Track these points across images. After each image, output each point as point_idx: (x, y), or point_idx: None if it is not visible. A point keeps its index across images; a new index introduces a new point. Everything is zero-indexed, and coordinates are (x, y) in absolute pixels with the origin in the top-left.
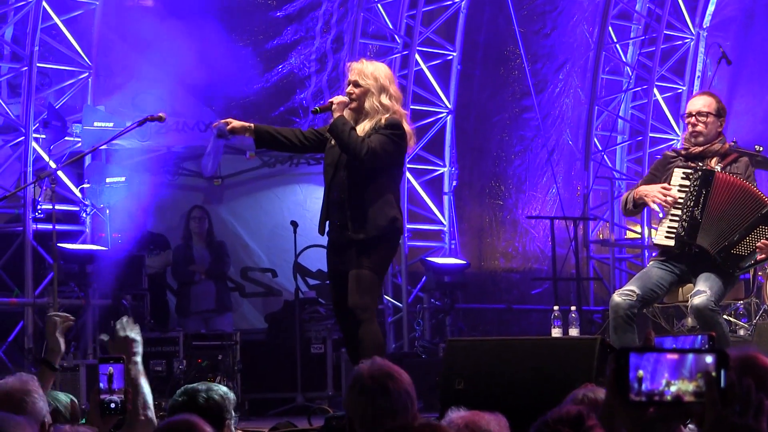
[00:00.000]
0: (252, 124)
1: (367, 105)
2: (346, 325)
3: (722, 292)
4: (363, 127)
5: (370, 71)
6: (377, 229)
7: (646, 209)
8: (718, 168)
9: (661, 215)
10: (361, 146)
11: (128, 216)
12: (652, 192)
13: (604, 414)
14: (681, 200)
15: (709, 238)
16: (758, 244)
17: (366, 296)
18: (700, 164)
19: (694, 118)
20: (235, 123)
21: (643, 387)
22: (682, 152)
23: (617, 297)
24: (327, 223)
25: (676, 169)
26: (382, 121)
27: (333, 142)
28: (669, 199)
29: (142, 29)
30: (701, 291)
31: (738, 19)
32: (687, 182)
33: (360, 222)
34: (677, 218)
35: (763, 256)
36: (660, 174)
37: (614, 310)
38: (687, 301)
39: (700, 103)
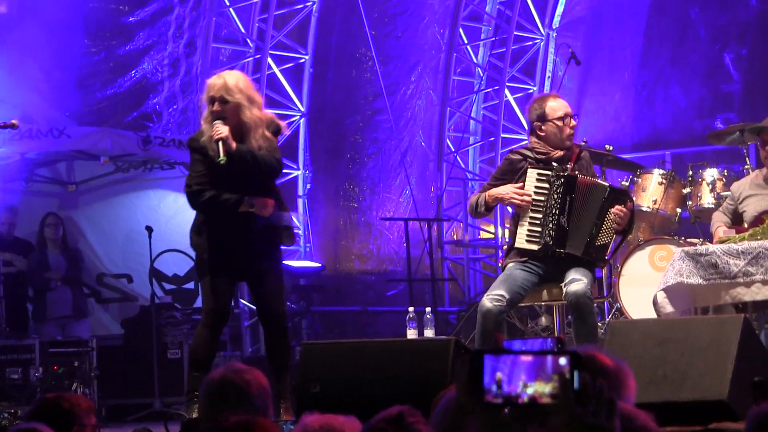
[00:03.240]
0: None
1: (244, 119)
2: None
3: (593, 284)
4: (256, 143)
5: (233, 84)
6: None
7: (498, 209)
8: (576, 173)
9: (511, 212)
10: (273, 163)
11: None
12: (506, 193)
13: (454, 416)
14: (540, 203)
15: (576, 242)
16: (611, 216)
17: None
18: (555, 165)
19: (573, 119)
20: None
21: (502, 389)
22: (533, 155)
23: (488, 303)
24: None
25: (530, 170)
26: (267, 132)
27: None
28: (526, 198)
29: None
30: (577, 279)
31: (587, 20)
32: (545, 185)
33: None
34: (538, 222)
35: (622, 225)
36: (509, 177)
37: (485, 315)
38: (545, 301)
39: (568, 105)
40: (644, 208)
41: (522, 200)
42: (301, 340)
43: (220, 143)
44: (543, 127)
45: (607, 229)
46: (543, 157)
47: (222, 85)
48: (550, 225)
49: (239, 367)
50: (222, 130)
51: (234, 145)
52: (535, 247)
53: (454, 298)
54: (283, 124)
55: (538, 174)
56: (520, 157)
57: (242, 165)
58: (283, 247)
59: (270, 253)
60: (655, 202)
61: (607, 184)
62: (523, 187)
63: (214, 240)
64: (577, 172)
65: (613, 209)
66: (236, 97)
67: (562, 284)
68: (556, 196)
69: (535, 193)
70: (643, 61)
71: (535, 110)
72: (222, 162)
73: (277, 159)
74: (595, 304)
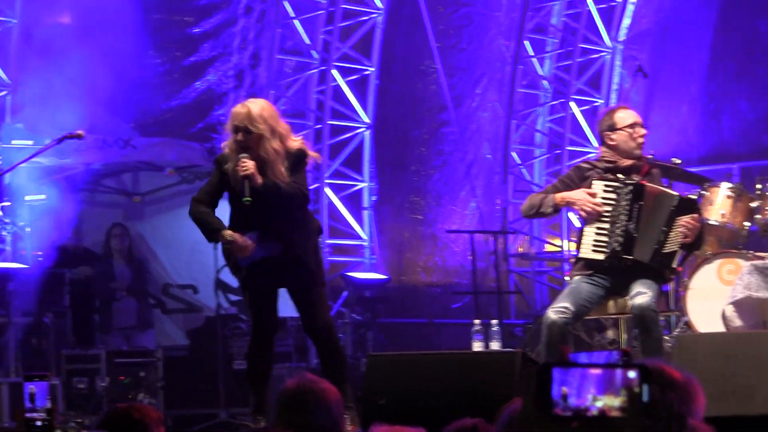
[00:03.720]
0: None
1: (264, 152)
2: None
3: (658, 297)
4: (274, 176)
5: (257, 114)
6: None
7: (565, 222)
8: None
9: (579, 225)
10: (298, 195)
11: (48, 234)
12: (580, 198)
13: (520, 427)
14: (608, 214)
15: (644, 249)
16: (681, 230)
17: None
18: (620, 176)
19: (640, 128)
20: None
21: (570, 402)
22: (602, 165)
23: (553, 315)
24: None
25: (595, 182)
26: (283, 168)
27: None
28: (597, 207)
29: (60, 46)
30: (642, 292)
31: (653, 33)
32: (612, 195)
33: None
34: (606, 232)
35: (690, 238)
36: (575, 185)
37: (549, 327)
38: (610, 314)
39: (637, 114)
40: (712, 222)
41: (594, 208)
42: (366, 352)
43: (246, 181)
44: (613, 137)
45: (675, 238)
46: (611, 165)
47: (246, 114)
48: (618, 232)
49: (314, 377)
50: (248, 166)
51: (260, 180)
52: (601, 257)
53: (520, 311)
54: (313, 153)
55: (605, 185)
56: (589, 166)
57: (267, 199)
58: (325, 258)
59: (305, 262)
60: (722, 215)
61: (677, 194)
62: (595, 194)
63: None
64: (645, 182)
65: (682, 219)
66: (260, 127)
67: (627, 297)
68: (624, 203)
69: (605, 204)
70: (710, 74)
71: (605, 121)
72: (247, 202)
73: (302, 191)
74: (661, 318)
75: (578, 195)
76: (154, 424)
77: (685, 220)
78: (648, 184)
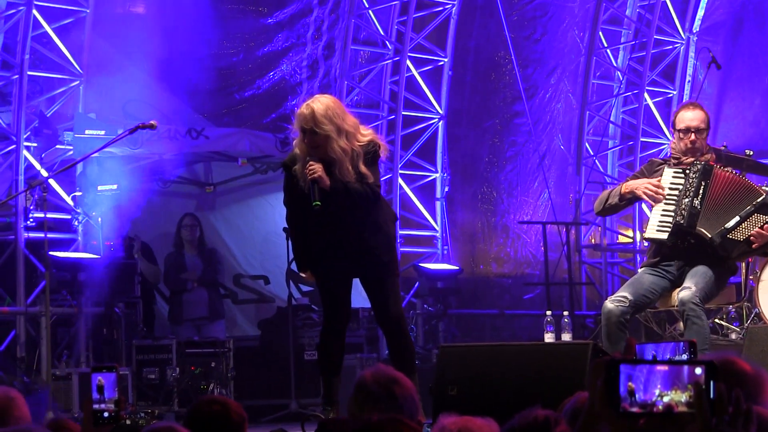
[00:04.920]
0: None
1: (332, 152)
2: None
3: (710, 290)
4: (347, 171)
5: (322, 115)
6: None
7: (637, 213)
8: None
9: (649, 213)
10: (367, 194)
11: (120, 224)
12: (641, 185)
13: (586, 423)
14: (674, 197)
15: (708, 224)
16: (753, 232)
17: None
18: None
19: (694, 134)
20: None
21: (636, 397)
22: (672, 161)
23: (610, 303)
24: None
25: (667, 169)
26: (359, 160)
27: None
28: (660, 190)
29: (133, 36)
30: (687, 287)
31: (727, 24)
32: (680, 180)
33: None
34: (670, 212)
35: (757, 245)
36: (647, 176)
37: (607, 316)
38: (673, 306)
39: (697, 118)
40: None
41: (655, 192)
42: (438, 343)
43: (314, 185)
44: (674, 135)
45: (746, 230)
46: (677, 161)
47: (311, 116)
48: (683, 206)
49: (389, 368)
50: (315, 168)
51: (327, 182)
52: (664, 236)
53: (592, 302)
54: (383, 145)
55: (674, 172)
56: (661, 161)
57: (336, 201)
58: (398, 249)
59: (377, 254)
60: None
61: (765, 192)
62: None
63: (316, 246)
64: (716, 165)
65: (760, 222)
66: (325, 128)
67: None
68: (691, 181)
69: (670, 189)
70: None
71: (673, 116)
72: (317, 206)
73: (372, 189)
74: (731, 309)
75: (640, 182)
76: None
77: (759, 231)
78: (717, 168)
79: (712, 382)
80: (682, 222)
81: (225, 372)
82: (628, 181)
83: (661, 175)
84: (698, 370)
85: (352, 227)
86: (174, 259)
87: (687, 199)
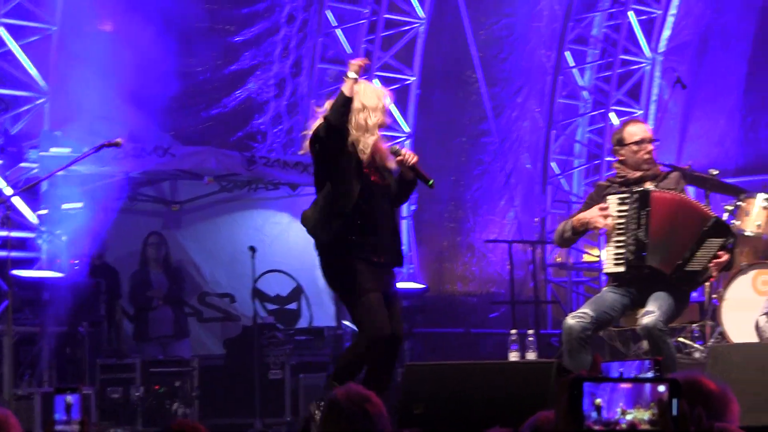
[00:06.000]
0: None
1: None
2: None
3: (673, 313)
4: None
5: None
6: None
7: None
8: (651, 188)
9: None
10: None
11: (85, 242)
12: (592, 216)
13: None
14: (622, 226)
15: (659, 256)
16: (711, 264)
17: None
18: (635, 187)
19: (650, 144)
20: None
21: (602, 415)
22: (617, 180)
23: (570, 320)
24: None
25: (610, 197)
26: None
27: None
28: (609, 220)
29: (100, 54)
30: (650, 311)
31: (693, 44)
32: (624, 207)
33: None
34: (622, 243)
35: (717, 273)
36: (597, 201)
37: (567, 332)
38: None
39: (648, 129)
40: (747, 233)
41: (605, 223)
42: (403, 362)
43: (416, 169)
44: (621, 152)
45: (702, 259)
46: (622, 180)
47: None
48: (630, 241)
49: (361, 388)
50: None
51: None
52: (622, 269)
53: (557, 320)
54: None
55: (618, 198)
56: (607, 183)
57: (383, 200)
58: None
59: (400, 262)
60: (758, 226)
61: (713, 216)
62: (606, 207)
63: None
64: (652, 188)
65: (714, 246)
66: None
67: (638, 315)
68: (632, 212)
69: (618, 217)
70: (748, 86)
71: (615, 135)
72: (431, 185)
73: None
74: (695, 327)
75: (591, 213)
76: None
77: (714, 262)
78: (655, 190)
79: (675, 400)
80: (631, 258)
81: (190, 391)
82: (578, 213)
83: (607, 203)
84: (661, 388)
85: (389, 230)
86: (140, 277)
87: (631, 233)
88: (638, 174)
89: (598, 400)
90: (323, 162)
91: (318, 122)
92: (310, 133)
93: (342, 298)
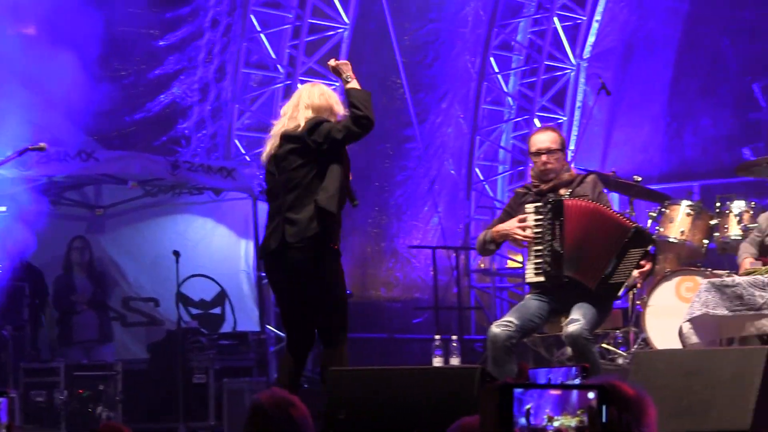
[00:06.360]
0: None
1: None
2: None
3: (596, 321)
4: None
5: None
6: None
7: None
8: (566, 195)
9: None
10: None
11: (9, 246)
12: (510, 228)
13: None
14: (539, 236)
15: (575, 266)
16: (635, 274)
17: None
18: (551, 195)
19: (545, 156)
20: None
21: (530, 422)
22: (533, 188)
23: (495, 328)
24: None
25: (527, 206)
26: None
27: None
28: (528, 231)
29: (23, 57)
30: (575, 319)
31: (618, 51)
32: (540, 217)
33: None
34: (540, 253)
35: (641, 283)
36: (514, 212)
37: (492, 340)
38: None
39: (548, 140)
40: (671, 239)
41: (523, 235)
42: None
43: None
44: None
45: (625, 270)
46: (536, 189)
47: None
48: (546, 252)
49: (285, 392)
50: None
51: None
52: (541, 279)
53: (480, 326)
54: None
55: (535, 208)
56: (524, 191)
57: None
58: None
59: None
60: (682, 233)
61: (632, 225)
62: (525, 218)
63: None
64: (566, 196)
65: (637, 256)
66: None
67: (563, 323)
68: (546, 223)
69: (536, 226)
70: (672, 93)
71: (527, 143)
72: (355, 204)
73: None
74: (618, 334)
75: (509, 225)
76: None
77: (638, 272)
78: (569, 199)
79: (604, 407)
80: (549, 270)
81: (114, 395)
82: (497, 221)
83: (525, 212)
84: (591, 395)
85: None
86: (64, 281)
87: (547, 244)
88: (549, 185)
89: (528, 407)
90: (335, 154)
91: (333, 123)
92: (339, 128)
93: (333, 302)
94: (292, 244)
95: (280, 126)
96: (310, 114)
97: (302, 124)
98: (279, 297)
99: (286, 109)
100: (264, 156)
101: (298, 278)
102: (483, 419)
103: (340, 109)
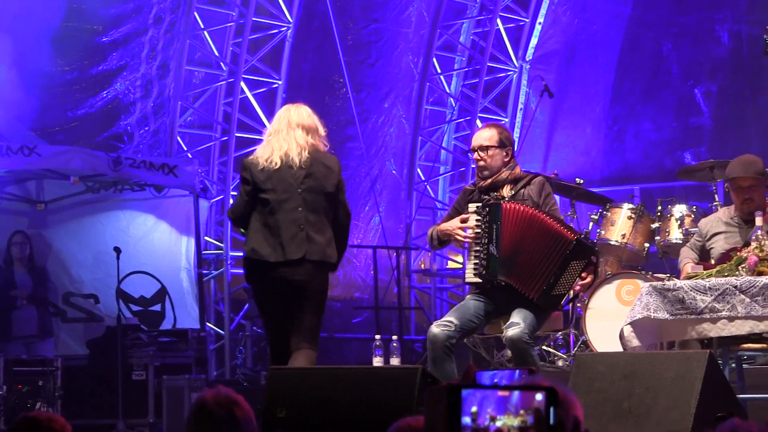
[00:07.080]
0: None
1: None
2: None
3: (536, 324)
4: None
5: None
6: None
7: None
8: (507, 197)
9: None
10: None
11: None
12: (452, 228)
13: None
14: (478, 237)
15: (508, 270)
16: (576, 287)
17: None
18: (493, 194)
19: (477, 153)
20: None
21: (477, 422)
22: (477, 186)
23: (435, 328)
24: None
25: (470, 205)
26: None
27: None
28: (469, 232)
29: None
30: (515, 323)
31: (560, 53)
32: (479, 218)
33: None
34: (478, 254)
35: (583, 293)
36: (462, 209)
37: (432, 341)
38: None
39: (482, 137)
40: (612, 242)
41: (465, 236)
42: (267, 365)
43: None
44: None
45: (566, 283)
46: (478, 187)
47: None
48: (483, 255)
49: (229, 390)
50: None
51: None
52: (479, 280)
53: (420, 326)
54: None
55: (476, 207)
56: (472, 188)
57: None
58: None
59: None
60: (623, 236)
61: (573, 237)
62: (466, 218)
63: None
64: (507, 198)
65: (578, 268)
66: None
67: (503, 326)
68: (484, 226)
69: (477, 226)
70: (614, 96)
71: None
72: None
73: None
74: (559, 336)
75: (452, 225)
76: None
77: (580, 284)
78: (507, 203)
79: (552, 409)
80: (484, 273)
81: (53, 391)
82: (451, 214)
83: (468, 210)
84: (539, 397)
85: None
86: (4, 276)
87: (484, 246)
88: (487, 182)
89: (474, 408)
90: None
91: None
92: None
93: (317, 309)
94: (307, 260)
95: (282, 142)
96: (300, 133)
97: (298, 143)
98: (270, 305)
99: (279, 126)
100: (267, 161)
101: (301, 292)
102: (428, 420)
103: (322, 131)
